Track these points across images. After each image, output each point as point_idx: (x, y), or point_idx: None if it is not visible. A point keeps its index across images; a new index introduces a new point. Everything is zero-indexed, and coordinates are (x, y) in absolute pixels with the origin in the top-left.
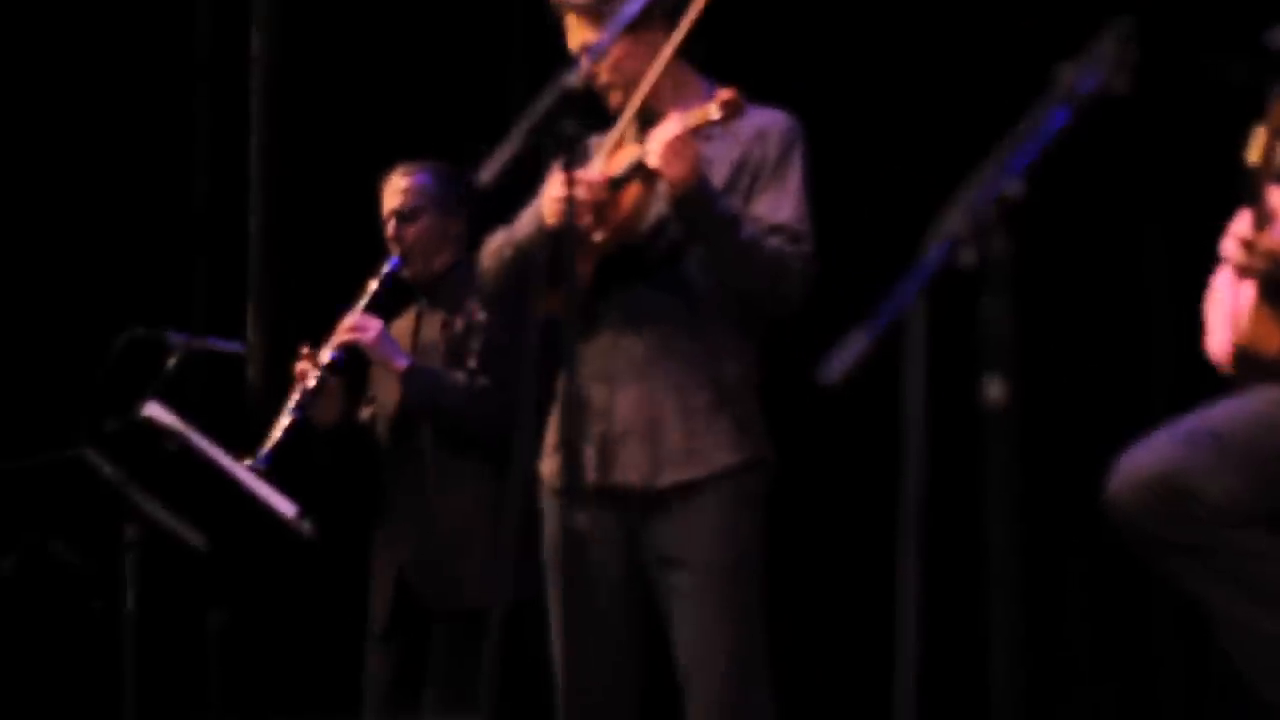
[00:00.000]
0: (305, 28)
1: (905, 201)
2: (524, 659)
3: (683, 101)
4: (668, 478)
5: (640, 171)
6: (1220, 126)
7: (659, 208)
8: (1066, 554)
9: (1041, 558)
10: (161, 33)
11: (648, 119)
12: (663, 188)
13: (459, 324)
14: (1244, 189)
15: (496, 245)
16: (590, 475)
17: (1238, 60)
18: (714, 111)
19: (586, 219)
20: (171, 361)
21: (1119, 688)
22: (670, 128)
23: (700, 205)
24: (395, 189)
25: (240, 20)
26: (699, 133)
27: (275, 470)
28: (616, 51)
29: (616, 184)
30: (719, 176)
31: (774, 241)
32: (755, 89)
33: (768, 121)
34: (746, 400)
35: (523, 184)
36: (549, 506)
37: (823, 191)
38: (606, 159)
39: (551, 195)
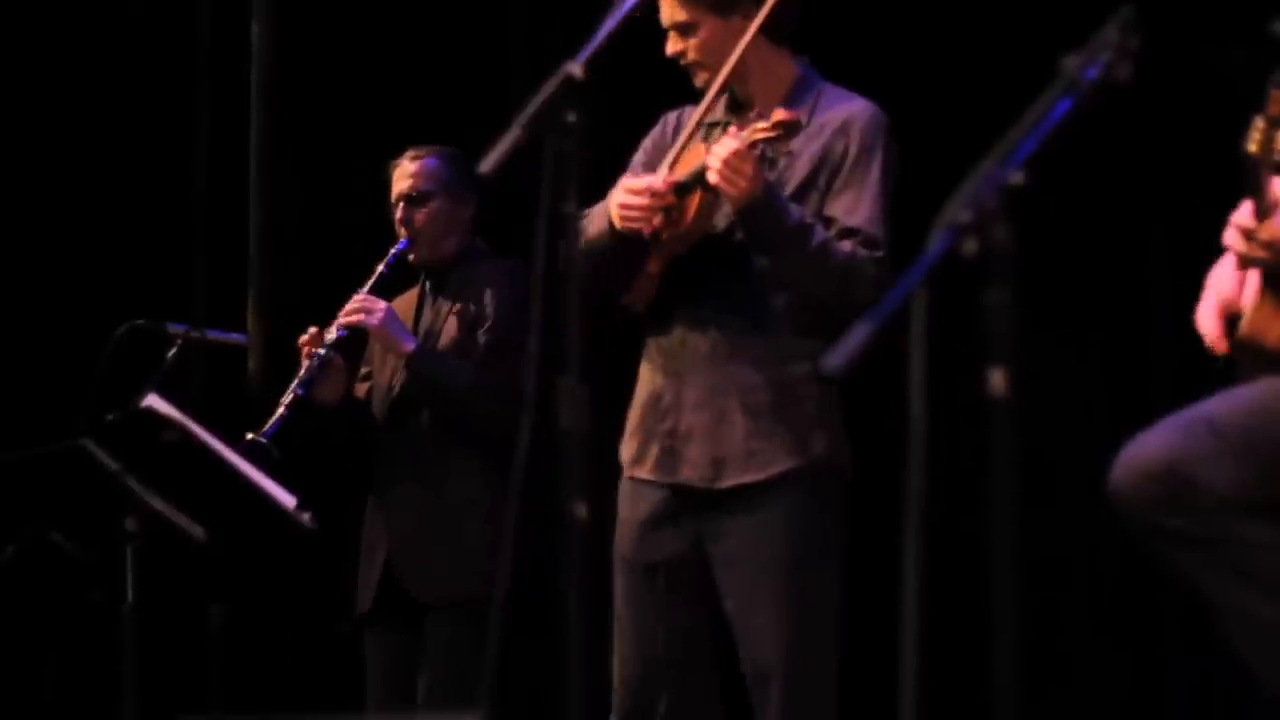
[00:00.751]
0: (304, 19)
1: (909, 192)
2: (530, 651)
3: (770, 86)
4: (729, 479)
5: (702, 182)
6: (1222, 116)
7: (727, 211)
8: (1069, 544)
9: (1043, 548)
10: (161, 25)
11: (738, 104)
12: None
13: (472, 311)
14: (1244, 179)
15: (581, 241)
16: (658, 471)
17: (1239, 50)
18: (769, 130)
19: (655, 222)
20: (172, 352)
21: (1122, 678)
22: (728, 143)
23: (763, 220)
24: (405, 172)
25: (240, 12)
26: (759, 145)
27: (279, 443)
28: (704, 32)
29: (682, 190)
30: (800, 170)
31: (846, 247)
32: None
33: (852, 112)
34: (815, 401)
35: (532, 173)
36: (624, 490)
37: None
38: (673, 159)
39: (618, 200)
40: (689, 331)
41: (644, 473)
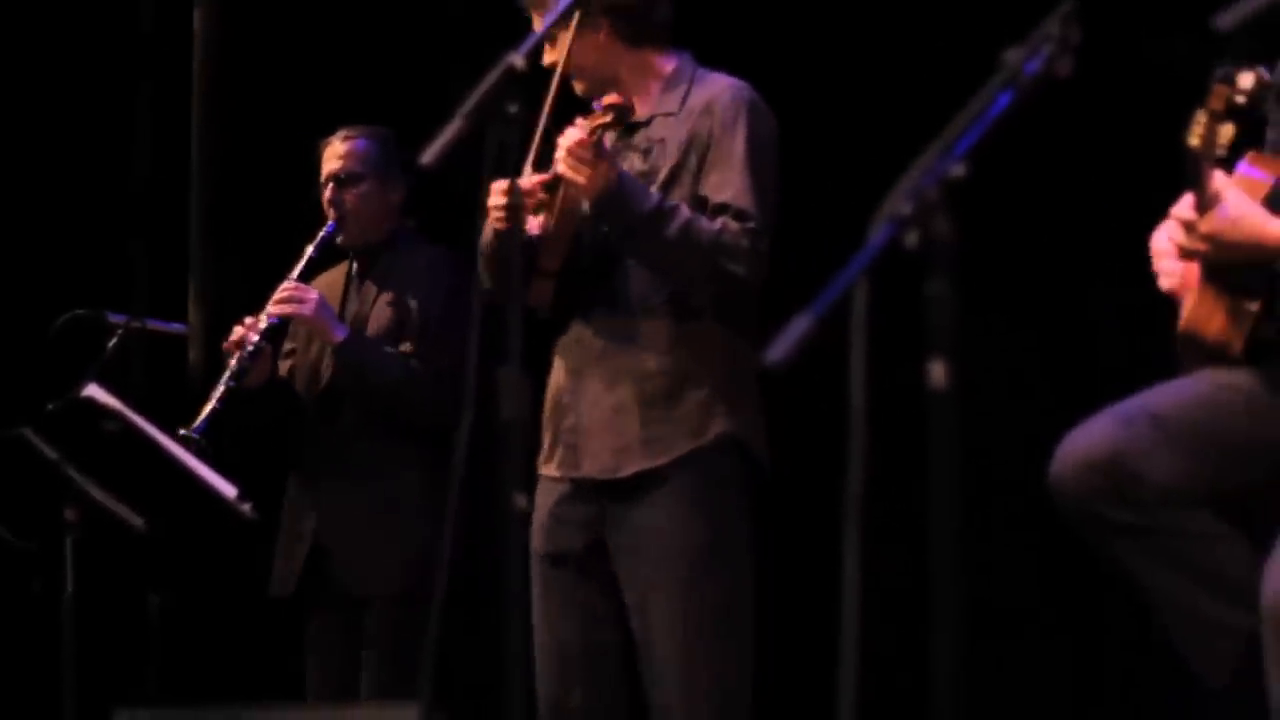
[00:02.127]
0: (247, 6)
1: (850, 184)
2: (468, 644)
3: (643, 86)
4: (629, 468)
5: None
6: (1165, 109)
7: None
8: (1011, 535)
9: (985, 540)
10: (103, 12)
11: (623, 114)
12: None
13: (403, 299)
14: (1186, 172)
15: (479, 262)
16: (563, 467)
17: (1181, 43)
18: (603, 115)
19: (530, 221)
20: (112, 342)
21: (1065, 668)
22: (571, 133)
23: (617, 207)
24: (335, 153)
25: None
26: (604, 134)
27: (211, 437)
28: (564, 44)
29: (551, 186)
30: (670, 156)
31: (714, 224)
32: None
33: (714, 93)
34: (712, 383)
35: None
36: (540, 489)
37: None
38: (533, 158)
39: (490, 203)
40: (583, 327)
41: (550, 470)
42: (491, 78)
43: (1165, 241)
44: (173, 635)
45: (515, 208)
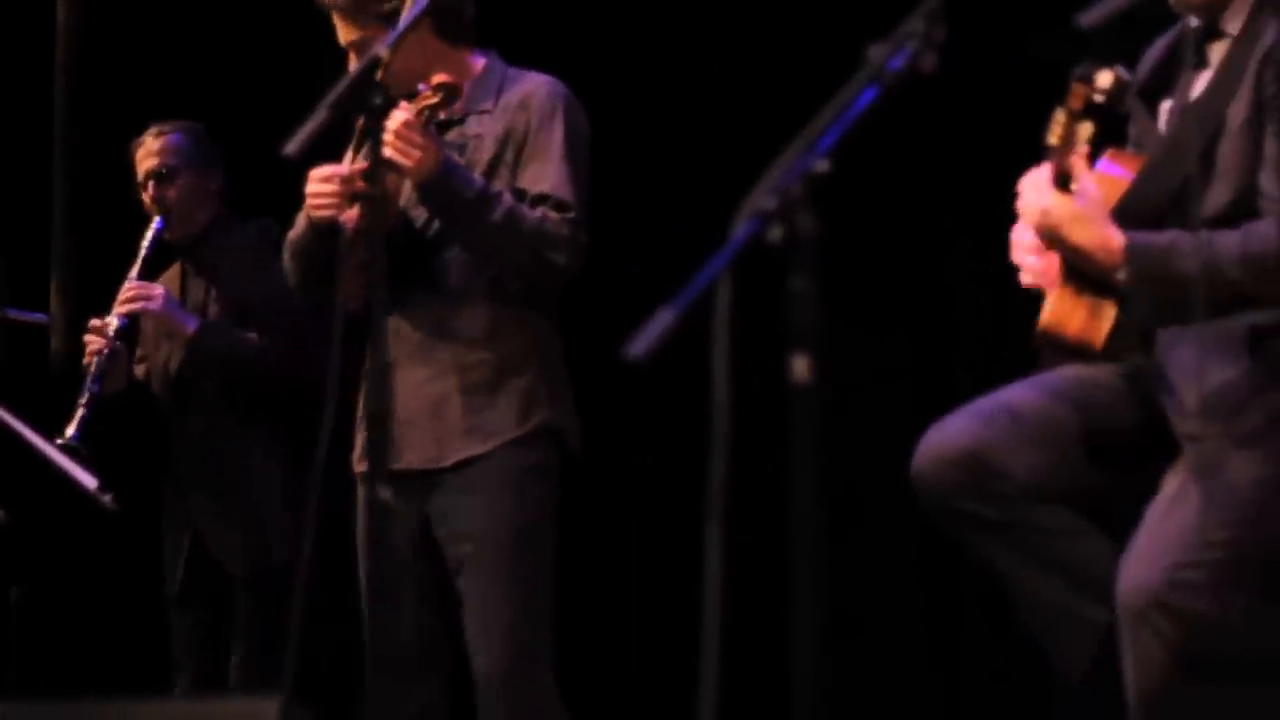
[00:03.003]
0: None
1: (715, 178)
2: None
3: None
4: (451, 456)
5: (385, 160)
6: (1027, 105)
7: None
8: (873, 530)
9: (846, 535)
10: None
11: (452, 94)
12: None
13: (230, 280)
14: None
15: (285, 256)
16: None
17: (1043, 39)
18: (431, 95)
19: (346, 210)
20: None
21: (925, 666)
22: (397, 115)
23: (442, 191)
24: (149, 151)
25: None
26: (431, 117)
27: (86, 444)
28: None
29: (370, 175)
30: (487, 150)
31: (535, 214)
32: (553, 64)
33: (529, 89)
34: (533, 372)
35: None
36: (360, 483)
37: (635, 168)
38: (354, 147)
39: (308, 190)
40: (401, 319)
41: (366, 466)
42: (357, 69)
43: (1026, 235)
44: (32, 628)
45: (339, 195)
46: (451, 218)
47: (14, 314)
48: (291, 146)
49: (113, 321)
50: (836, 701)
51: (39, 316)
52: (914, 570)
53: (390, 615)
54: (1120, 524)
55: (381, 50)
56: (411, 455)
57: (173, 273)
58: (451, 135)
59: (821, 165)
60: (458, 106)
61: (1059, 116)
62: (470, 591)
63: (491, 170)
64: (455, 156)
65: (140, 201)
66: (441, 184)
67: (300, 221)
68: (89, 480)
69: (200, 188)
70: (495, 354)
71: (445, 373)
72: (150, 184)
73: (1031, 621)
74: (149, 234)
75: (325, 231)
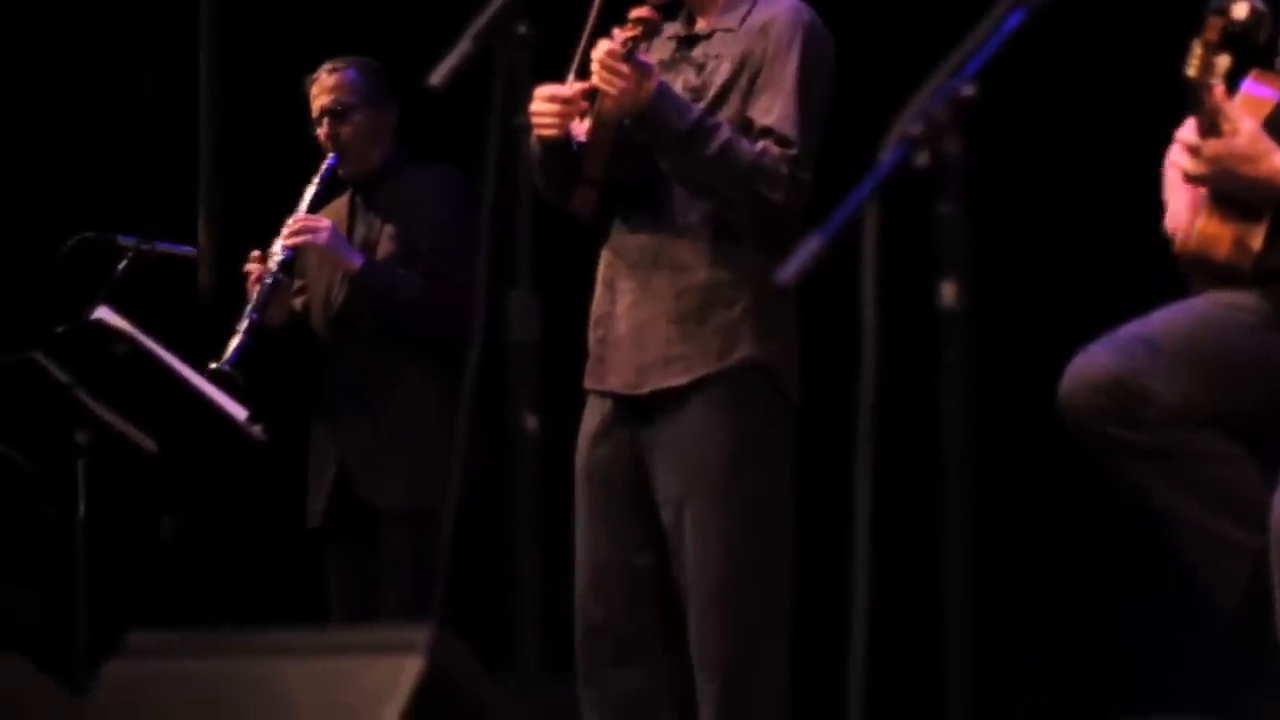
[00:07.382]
0: None
1: (862, 105)
2: (482, 564)
3: (710, 3)
4: (649, 385)
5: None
6: (1169, 29)
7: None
8: (1021, 457)
9: (996, 461)
10: None
11: (691, 17)
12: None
13: (410, 223)
14: (1187, 99)
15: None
16: (591, 379)
17: None
18: (633, 28)
19: (573, 128)
20: (121, 265)
21: (1075, 589)
22: (604, 44)
23: (654, 121)
24: (324, 87)
25: None
26: (634, 48)
27: (240, 370)
28: None
29: (591, 95)
30: (723, 74)
31: (755, 146)
32: None
33: (773, 13)
34: (742, 306)
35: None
36: (587, 405)
37: None
38: (576, 64)
39: (532, 109)
40: (621, 239)
41: (590, 383)
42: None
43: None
44: (186, 558)
45: (562, 115)
46: (661, 148)
47: (163, 247)
48: (436, 77)
49: (277, 252)
50: (982, 623)
51: (187, 249)
52: (1062, 493)
53: (586, 545)
54: (1272, 449)
55: None
56: (614, 379)
57: (339, 205)
58: (695, 52)
59: (968, 89)
60: (705, 23)
61: (1196, 49)
62: (678, 519)
63: (724, 94)
64: (693, 75)
65: (290, 134)
66: (651, 114)
67: (531, 137)
68: (239, 411)
69: (375, 125)
70: (706, 284)
71: (654, 298)
72: (325, 120)
73: (1182, 547)
74: (321, 169)
75: (554, 148)
